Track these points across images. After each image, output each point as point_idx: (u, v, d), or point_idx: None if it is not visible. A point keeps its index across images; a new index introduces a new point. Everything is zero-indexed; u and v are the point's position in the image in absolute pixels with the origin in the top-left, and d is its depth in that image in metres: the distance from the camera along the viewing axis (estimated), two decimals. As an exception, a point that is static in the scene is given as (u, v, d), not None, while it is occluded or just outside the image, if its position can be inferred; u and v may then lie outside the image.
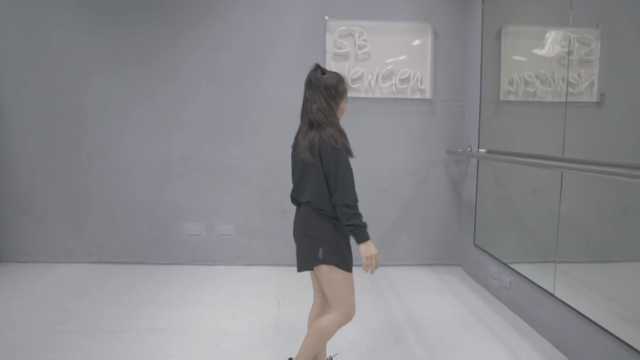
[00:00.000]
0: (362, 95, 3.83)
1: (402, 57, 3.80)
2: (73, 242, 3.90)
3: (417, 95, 3.84)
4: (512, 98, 3.52)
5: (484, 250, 3.51)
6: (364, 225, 1.84)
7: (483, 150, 3.60)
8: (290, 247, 3.82)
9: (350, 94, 3.78)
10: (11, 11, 3.71)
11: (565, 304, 2.46)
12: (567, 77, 2.85)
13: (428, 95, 3.83)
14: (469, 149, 3.76)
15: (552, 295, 2.57)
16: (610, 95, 2.63)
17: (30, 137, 3.80)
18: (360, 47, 3.77)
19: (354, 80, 3.79)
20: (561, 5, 2.89)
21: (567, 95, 2.81)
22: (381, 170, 3.88)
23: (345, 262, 1.91)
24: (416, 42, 3.81)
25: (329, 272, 1.89)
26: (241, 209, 3.92)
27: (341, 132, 1.90)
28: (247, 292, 3.35)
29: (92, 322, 2.78)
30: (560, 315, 2.50)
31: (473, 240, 3.69)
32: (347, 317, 1.94)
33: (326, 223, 1.88)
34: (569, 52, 3.05)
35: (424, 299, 3.27)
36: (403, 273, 3.83)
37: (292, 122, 3.85)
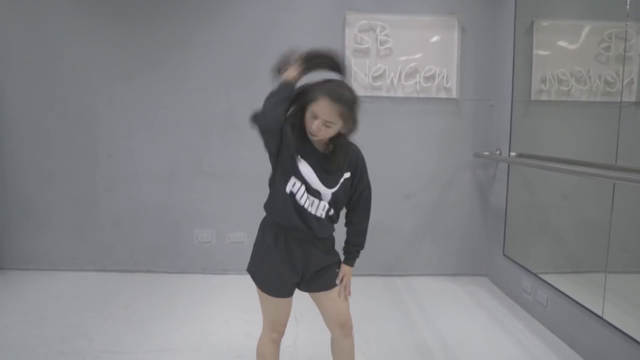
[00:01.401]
0: (384, 94, 3.57)
1: (427, 54, 3.54)
2: (77, 249, 3.69)
3: (443, 94, 3.58)
4: (544, 97, 3.26)
5: (515, 262, 3.25)
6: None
7: (514, 153, 3.34)
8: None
9: (370, 93, 3.59)
10: (12, 7, 3.50)
11: (616, 328, 2.21)
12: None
13: (454, 95, 3.57)
14: (497, 152, 3.50)
15: (600, 317, 2.32)
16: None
17: (32, 139, 3.59)
18: (382, 43, 3.51)
19: (375, 79, 3.54)
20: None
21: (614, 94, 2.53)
22: (403, 174, 3.63)
23: None
24: (442, 38, 3.54)
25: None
26: (254, 214, 3.64)
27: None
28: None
29: (94, 341, 2.57)
30: (609, 340, 2.25)
31: (502, 249, 3.44)
32: None
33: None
34: (608, 48, 2.79)
35: (451, 314, 3.03)
36: (426, 283, 3.58)
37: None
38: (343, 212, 1.85)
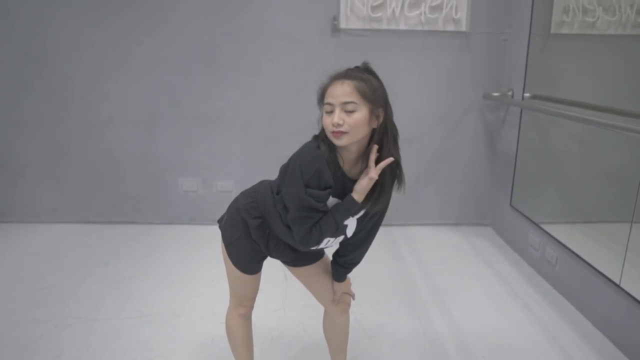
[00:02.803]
0: (384, 26, 3.16)
1: (434, -22, 3.09)
2: (55, 200, 3.47)
3: (451, 27, 3.16)
4: (565, 30, 2.86)
5: (523, 214, 3.01)
6: None
7: (528, 94, 2.99)
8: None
9: (369, 26, 3.16)
10: None
11: (635, 298, 2.00)
12: None
13: (463, 27, 3.16)
14: (509, 93, 3.14)
15: (617, 285, 2.11)
16: None
17: (-6, 81, 3.25)
18: (382, -34, 3.05)
19: (374, 9, 3.11)
20: None
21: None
22: (405, 116, 3.25)
23: None
24: (452, -41, 3.07)
25: None
26: (242, 161, 3.42)
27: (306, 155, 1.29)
28: (249, 261, 2.94)
29: (69, 306, 2.40)
30: (625, 309, 2.05)
31: (510, 200, 3.19)
32: None
33: None
34: None
35: (452, 270, 2.85)
36: (426, 234, 3.38)
37: (298, 61, 3.25)
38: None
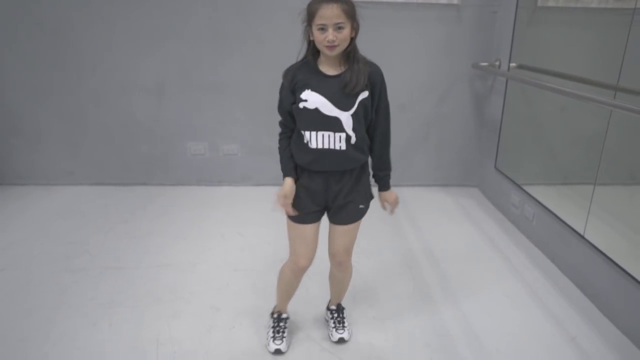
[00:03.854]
0: (382, -1, 3.35)
1: (428, -48, 3.25)
2: (71, 164, 3.71)
3: (444, 0, 3.36)
4: (551, 3, 3.06)
5: (506, 176, 3.30)
6: None
7: (514, 64, 3.22)
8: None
9: (369, -2, 3.35)
10: None
11: (595, 247, 2.30)
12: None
13: (456, 0, 3.35)
14: (497, 63, 3.37)
15: (581, 236, 2.41)
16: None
17: (8, 53, 3.40)
18: (379, -60, 3.21)
19: (371, -19, 3.29)
20: None
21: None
22: (398, 85, 3.49)
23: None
24: None
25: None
26: (247, 127, 3.65)
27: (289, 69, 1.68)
28: (256, 218, 3.22)
29: (97, 258, 2.69)
30: (589, 258, 2.36)
31: (495, 162, 3.47)
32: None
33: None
34: None
35: (440, 227, 3.15)
36: (417, 194, 3.68)
37: (300, 31, 3.43)
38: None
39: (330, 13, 1.47)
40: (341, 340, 2.01)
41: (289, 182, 1.71)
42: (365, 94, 1.60)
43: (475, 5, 3.38)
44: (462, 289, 2.43)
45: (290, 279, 1.90)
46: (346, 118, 1.61)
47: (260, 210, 3.34)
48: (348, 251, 1.87)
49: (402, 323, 2.16)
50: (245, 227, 3.10)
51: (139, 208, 3.36)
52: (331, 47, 1.51)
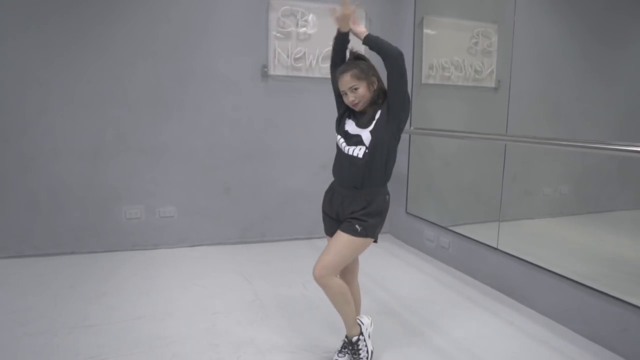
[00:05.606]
0: (303, 74, 3.94)
1: (340, 39, 3.99)
2: (-14, 235, 3.38)
3: (354, 76, 4.08)
4: (431, 81, 3.98)
5: (419, 217, 3.95)
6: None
7: (412, 127, 4.01)
8: (235, 225, 3.82)
9: (292, 73, 3.95)
10: None
11: (509, 254, 2.98)
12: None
13: (364, 77, 4.10)
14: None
15: (496, 248, 3.08)
16: (505, 82, 3.15)
17: None
18: (302, 27, 3.86)
19: (296, 60, 3.88)
20: (469, 1, 3.65)
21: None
22: (319, 146, 4.04)
23: None
24: (352, 26, 4.03)
25: None
26: (184, 188, 3.79)
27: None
28: (207, 272, 3.31)
29: (57, 319, 2.52)
30: (502, 264, 3.02)
31: (405, 208, 4.12)
32: None
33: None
34: (476, 44, 3.62)
35: (369, 261, 3.59)
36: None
37: (234, 99, 3.82)
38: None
39: (343, 82, 1.93)
40: None
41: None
42: (380, 111, 1.94)
43: (378, 82, 4.16)
44: (405, 299, 2.86)
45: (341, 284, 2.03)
46: (367, 134, 1.93)
47: (208, 265, 3.43)
48: (323, 266, 1.94)
49: None
50: (201, 279, 3.17)
51: (80, 273, 3.20)
52: (354, 104, 1.95)
